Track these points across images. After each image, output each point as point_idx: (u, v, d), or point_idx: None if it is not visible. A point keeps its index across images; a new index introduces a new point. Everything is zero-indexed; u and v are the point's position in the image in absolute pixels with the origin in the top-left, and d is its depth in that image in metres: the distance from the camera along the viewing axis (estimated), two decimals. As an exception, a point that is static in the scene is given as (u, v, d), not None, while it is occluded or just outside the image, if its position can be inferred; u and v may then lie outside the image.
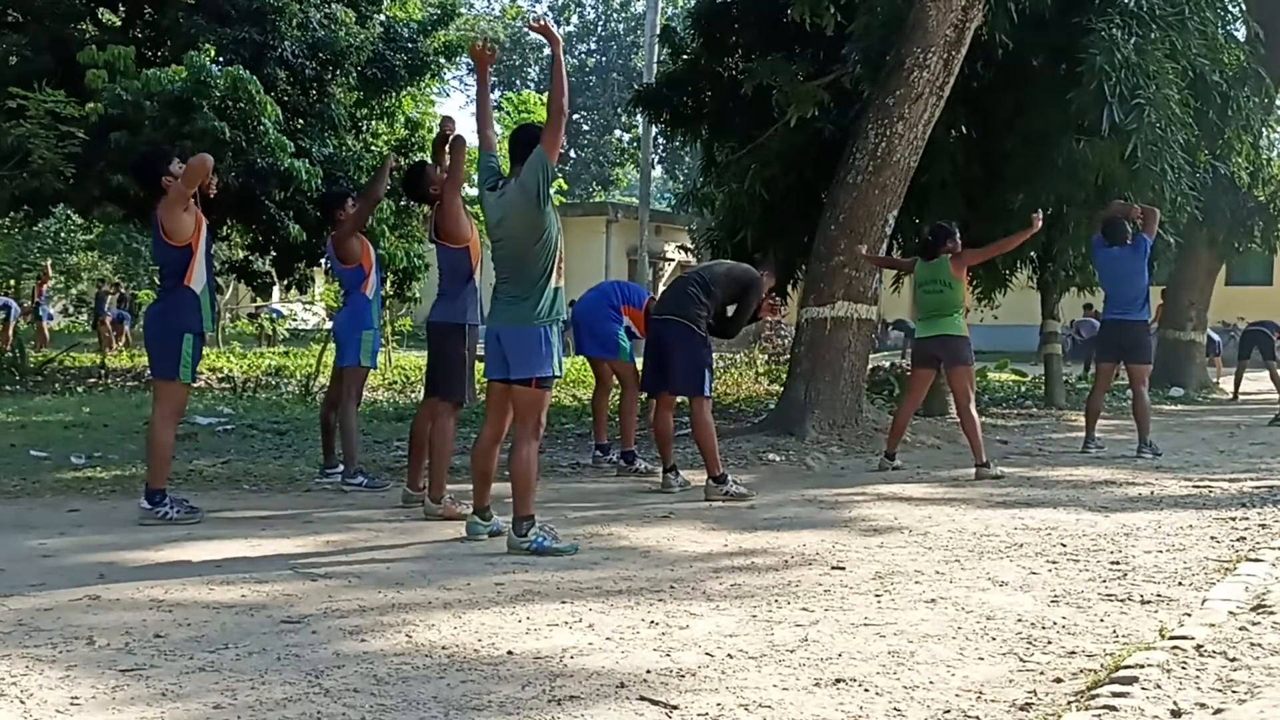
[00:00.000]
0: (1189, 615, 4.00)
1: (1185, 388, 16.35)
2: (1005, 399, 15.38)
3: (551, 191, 5.33)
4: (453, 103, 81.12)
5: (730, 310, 7.35)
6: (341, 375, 7.31)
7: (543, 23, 5.46)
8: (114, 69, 12.42)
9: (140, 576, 4.65)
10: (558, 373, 5.32)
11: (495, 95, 47.42)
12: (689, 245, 34.00)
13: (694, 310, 7.04)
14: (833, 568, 4.92)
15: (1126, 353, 9.38)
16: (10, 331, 22.88)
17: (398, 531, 5.79)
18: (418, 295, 16.75)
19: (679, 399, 7.44)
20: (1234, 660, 3.35)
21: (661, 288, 28.49)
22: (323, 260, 14.90)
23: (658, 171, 46.88)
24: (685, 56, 13.75)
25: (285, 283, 16.75)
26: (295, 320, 29.56)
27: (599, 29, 54.14)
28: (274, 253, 15.56)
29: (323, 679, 3.33)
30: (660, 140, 34.86)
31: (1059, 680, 3.35)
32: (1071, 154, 10.60)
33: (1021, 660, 3.56)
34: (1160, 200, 10.65)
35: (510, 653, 3.61)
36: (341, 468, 7.18)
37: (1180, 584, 4.59)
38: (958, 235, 8.36)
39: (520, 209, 5.24)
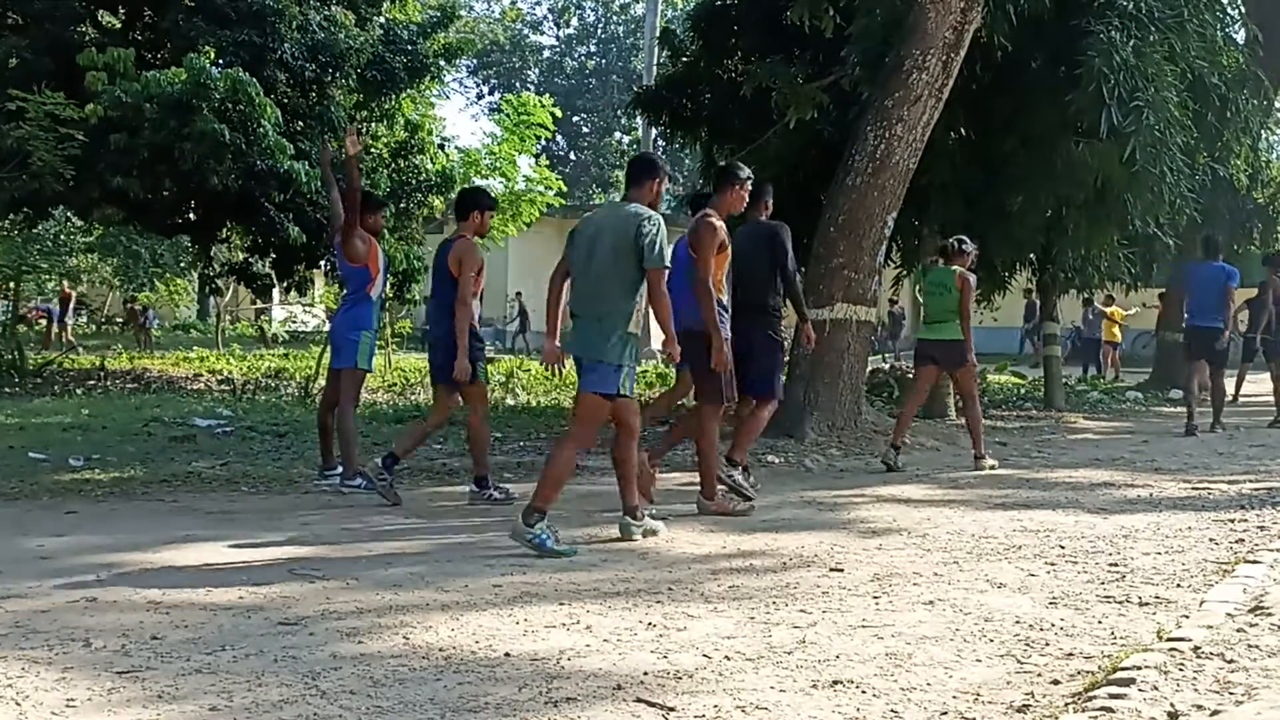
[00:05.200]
0: (1187, 617, 4.00)
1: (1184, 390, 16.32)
2: (1005, 401, 15.38)
3: None
4: (453, 105, 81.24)
5: None
6: (339, 377, 7.30)
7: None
8: (114, 71, 12.42)
9: (138, 578, 4.65)
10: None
11: (495, 96, 47.58)
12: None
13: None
14: (831, 569, 4.92)
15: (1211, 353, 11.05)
16: (53, 334, 23.08)
17: (395, 533, 5.79)
18: (417, 297, 16.74)
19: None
20: (1231, 662, 3.34)
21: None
22: (322, 262, 14.90)
23: (657, 173, 46.83)
24: (685, 59, 13.78)
25: (285, 285, 16.75)
26: (295, 322, 29.56)
27: (599, 31, 54.21)
28: (274, 255, 15.56)
29: (319, 681, 3.33)
30: (660, 142, 34.81)
31: (1056, 682, 3.35)
32: (1070, 156, 10.61)
33: (1019, 662, 3.56)
34: (1159, 202, 10.66)
35: (507, 654, 3.60)
36: (340, 470, 7.17)
37: (1178, 586, 4.59)
38: (973, 257, 8.97)
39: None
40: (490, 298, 33.14)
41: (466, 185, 7.71)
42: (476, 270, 6.75)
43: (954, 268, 8.62)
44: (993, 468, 8.37)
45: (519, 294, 31.86)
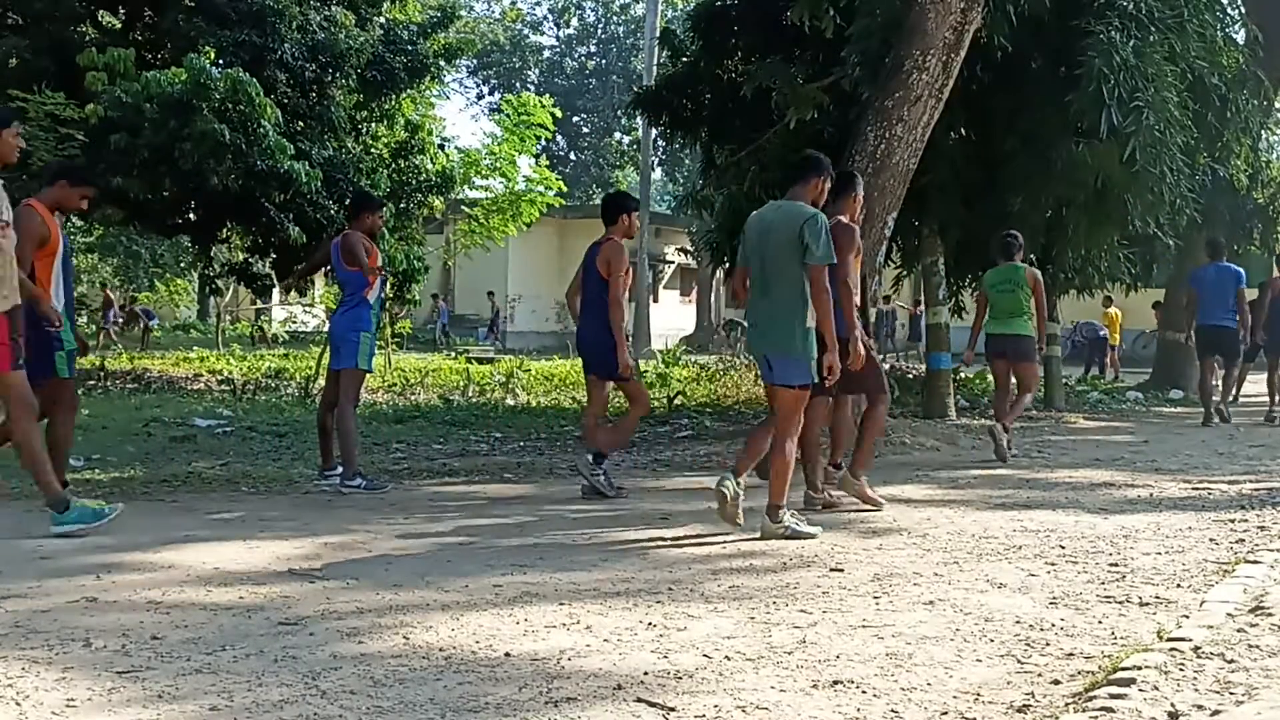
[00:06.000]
0: (1187, 617, 4.00)
1: (1184, 390, 16.34)
2: (1005, 401, 15.36)
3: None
4: (453, 105, 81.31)
5: None
6: (339, 378, 7.30)
7: None
8: (114, 71, 12.44)
9: (138, 578, 4.65)
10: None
11: (495, 97, 47.59)
12: (689, 248, 34.03)
13: None
14: (831, 569, 4.92)
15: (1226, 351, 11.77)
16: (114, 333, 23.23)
17: (396, 533, 5.79)
18: (417, 298, 16.75)
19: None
20: (1232, 662, 3.34)
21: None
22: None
23: (657, 174, 46.94)
24: (685, 59, 13.77)
25: (285, 285, 16.75)
26: (295, 323, 29.58)
27: (599, 32, 54.20)
28: (274, 255, 15.57)
29: (319, 681, 3.32)
30: (660, 143, 34.89)
31: (1057, 682, 3.35)
32: (1070, 156, 10.60)
33: (1019, 662, 3.56)
34: (1159, 202, 10.66)
35: (508, 654, 3.60)
36: (340, 470, 7.18)
37: (1179, 586, 4.59)
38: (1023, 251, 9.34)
39: None
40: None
41: (611, 194, 8.01)
42: (625, 270, 6.98)
43: (1019, 264, 8.98)
44: (1013, 455, 8.84)
45: (491, 294, 31.97)
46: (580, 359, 7.45)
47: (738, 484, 5.62)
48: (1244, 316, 11.84)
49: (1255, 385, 16.30)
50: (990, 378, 17.95)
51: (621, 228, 7.08)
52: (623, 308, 6.91)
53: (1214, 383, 12.32)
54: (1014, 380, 9.20)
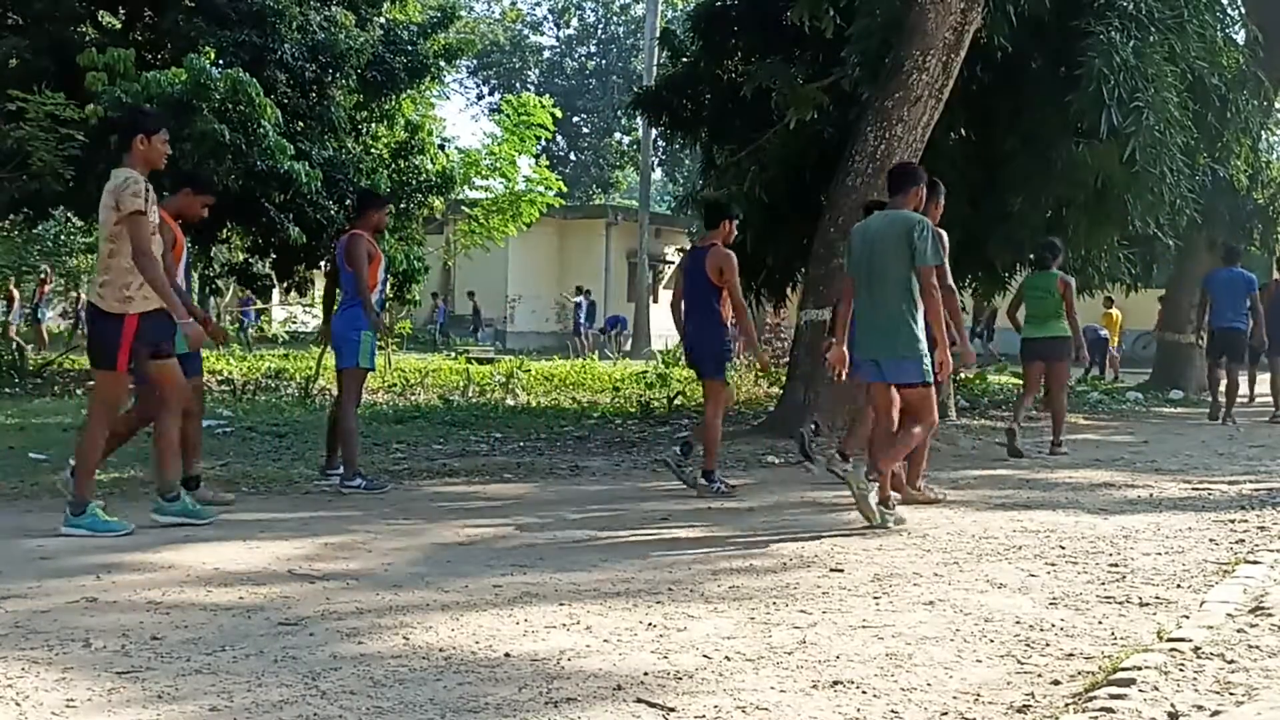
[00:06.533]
0: (1187, 617, 4.00)
1: (1184, 390, 16.35)
2: (1005, 401, 15.35)
3: None
4: (453, 105, 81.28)
5: None
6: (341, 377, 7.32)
7: None
8: (114, 71, 12.42)
9: (138, 578, 4.65)
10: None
11: (495, 97, 47.60)
12: (688, 248, 34.05)
13: None
14: (831, 570, 4.92)
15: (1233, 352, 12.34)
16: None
17: (396, 533, 5.79)
18: (418, 298, 16.74)
19: None
20: (1232, 662, 3.34)
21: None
22: (322, 262, 14.87)
23: (657, 174, 46.93)
24: (685, 59, 13.77)
25: (285, 285, 16.75)
26: (295, 323, 29.57)
27: (599, 32, 54.20)
28: (274, 255, 15.56)
29: (319, 681, 3.32)
30: (660, 143, 34.88)
31: (1056, 682, 3.35)
32: (1070, 156, 10.60)
33: (1019, 662, 3.56)
34: (1159, 202, 10.66)
35: (507, 655, 3.60)
36: (341, 469, 7.18)
37: (1179, 586, 4.59)
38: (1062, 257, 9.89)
39: None
40: (490, 298, 33.29)
41: (714, 200, 8.30)
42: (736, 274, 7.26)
43: (1054, 271, 9.47)
44: (1065, 453, 9.25)
45: (471, 293, 32.04)
46: (688, 361, 7.85)
47: (871, 482, 5.86)
48: (1257, 320, 12.40)
49: (1259, 385, 16.30)
50: (989, 379, 18.05)
51: (723, 233, 7.32)
52: (746, 309, 7.40)
53: (1220, 382, 12.85)
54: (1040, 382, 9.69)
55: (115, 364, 5.56)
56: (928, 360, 5.95)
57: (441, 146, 17.25)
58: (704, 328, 7.24)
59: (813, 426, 7.89)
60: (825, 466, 7.21)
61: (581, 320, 31.16)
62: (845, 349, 6.31)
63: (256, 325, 28.41)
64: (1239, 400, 13.10)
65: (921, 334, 5.96)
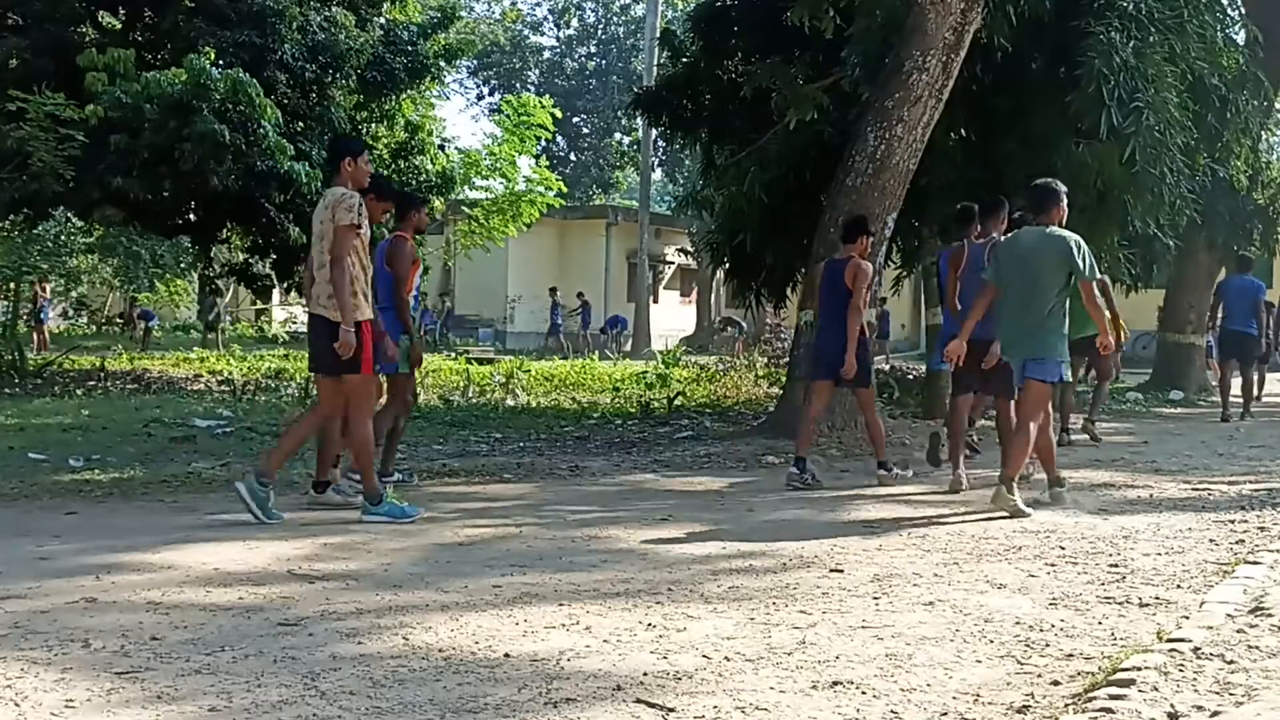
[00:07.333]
0: (1187, 618, 4.00)
1: (1185, 390, 16.33)
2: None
3: None
4: (453, 105, 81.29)
5: None
6: (392, 382, 7.29)
7: None
8: (114, 72, 12.43)
9: (138, 578, 4.65)
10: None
11: (495, 97, 47.58)
12: (689, 248, 34.02)
13: None
14: (831, 570, 4.92)
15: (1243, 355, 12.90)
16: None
17: (395, 534, 5.79)
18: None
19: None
20: (1231, 663, 3.34)
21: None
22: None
23: (657, 174, 46.90)
24: (685, 60, 13.76)
25: (285, 285, 16.74)
26: (295, 323, 29.58)
27: (599, 32, 54.15)
28: (274, 255, 15.56)
29: (319, 681, 3.32)
30: (660, 143, 34.87)
31: (1056, 683, 3.35)
32: (1070, 157, 10.58)
33: (1019, 663, 3.56)
34: (1159, 203, 10.65)
35: (507, 655, 3.60)
36: (397, 476, 7.28)
37: (1178, 587, 4.59)
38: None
39: None
40: (490, 298, 33.31)
41: (855, 217, 8.47)
42: (869, 286, 7.81)
43: None
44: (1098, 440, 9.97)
45: (443, 295, 32.25)
46: (814, 371, 8.10)
47: (1017, 481, 6.40)
48: (1261, 325, 12.93)
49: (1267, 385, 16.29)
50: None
51: (860, 247, 7.74)
52: (860, 316, 7.70)
53: (1229, 384, 13.30)
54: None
55: (359, 367, 5.99)
56: (1067, 364, 6.66)
57: (441, 147, 17.25)
58: (838, 337, 7.61)
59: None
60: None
61: (559, 321, 31.32)
62: (963, 343, 6.82)
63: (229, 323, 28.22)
64: (1234, 400, 13.11)
65: (1064, 340, 6.56)
